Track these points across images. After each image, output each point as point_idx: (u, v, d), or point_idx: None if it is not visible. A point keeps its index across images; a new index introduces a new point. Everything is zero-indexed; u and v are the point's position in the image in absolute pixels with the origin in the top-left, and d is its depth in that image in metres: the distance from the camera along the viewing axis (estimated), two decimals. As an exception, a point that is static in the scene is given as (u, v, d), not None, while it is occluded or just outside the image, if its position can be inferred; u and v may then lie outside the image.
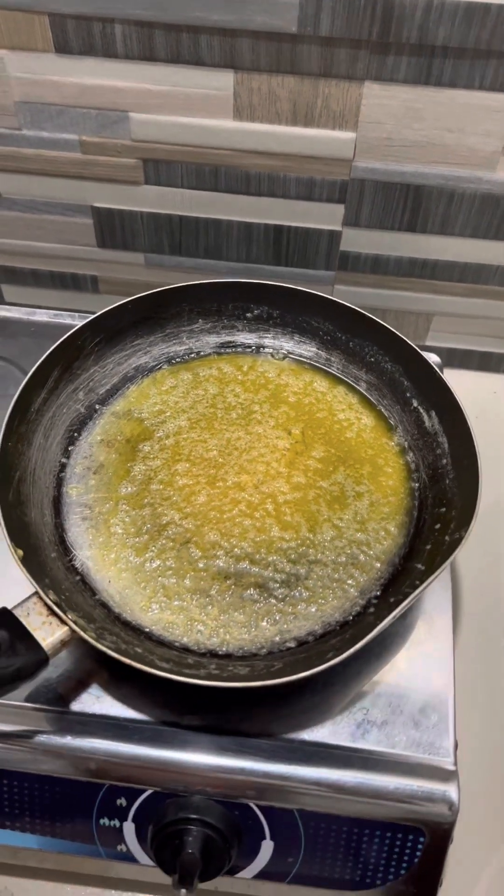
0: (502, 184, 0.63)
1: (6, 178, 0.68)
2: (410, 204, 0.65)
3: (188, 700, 0.48)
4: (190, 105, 0.61)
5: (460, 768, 0.47)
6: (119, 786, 0.47)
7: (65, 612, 0.44)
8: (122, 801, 0.47)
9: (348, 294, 0.74)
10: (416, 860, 0.47)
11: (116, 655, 0.43)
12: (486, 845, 0.55)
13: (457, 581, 0.66)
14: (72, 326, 0.61)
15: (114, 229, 0.71)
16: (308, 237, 0.69)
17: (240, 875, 0.49)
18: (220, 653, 0.49)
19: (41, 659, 0.44)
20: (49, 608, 0.44)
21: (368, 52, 0.56)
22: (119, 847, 0.49)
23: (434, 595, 0.54)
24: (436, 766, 0.47)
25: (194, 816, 0.46)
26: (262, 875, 0.49)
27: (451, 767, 0.47)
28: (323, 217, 0.68)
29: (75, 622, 0.44)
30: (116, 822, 0.48)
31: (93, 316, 0.59)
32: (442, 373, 0.60)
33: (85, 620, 0.46)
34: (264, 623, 0.50)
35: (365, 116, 0.60)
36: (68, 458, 0.57)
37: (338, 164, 0.64)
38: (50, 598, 0.44)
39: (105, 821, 0.48)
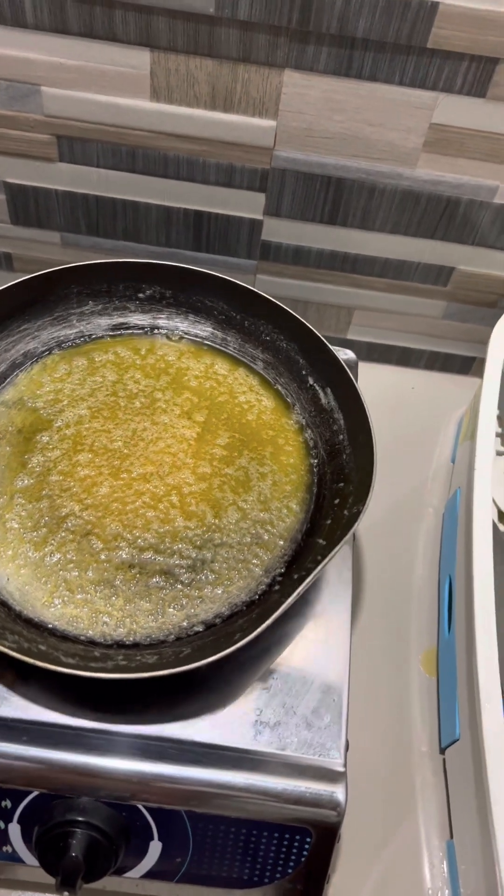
0: (422, 181, 0.63)
1: None
2: (332, 196, 0.65)
3: (79, 699, 0.47)
4: (105, 82, 0.59)
5: (350, 767, 0.47)
6: (4, 787, 0.46)
7: None
8: (6, 803, 0.46)
9: (271, 284, 0.73)
10: (303, 859, 0.47)
11: (19, 656, 0.42)
12: (377, 840, 0.56)
13: (360, 575, 0.66)
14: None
15: (28, 206, 0.69)
16: (229, 224, 0.68)
17: (127, 875, 0.48)
18: (127, 643, 0.48)
19: None
20: None
21: (288, 40, 0.55)
22: (4, 848, 0.48)
23: (333, 591, 0.54)
24: (325, 768, 0.47)
25: (79, 819, 0.45)
26: (150, 875, 0.48)
27: (341, 769, 0.47)
28: (243, 205, 0.66)
29: None
30: (1, 824, 0.47)
31: None
32: (342, 355, 0.60)
33: None
34: (171, 609, 0.49)
35: (285, 105, 0.59)
36: None
37: (258, 152, 0.62)
38: None
39: (-11, 822, 0.47)
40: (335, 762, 0.47)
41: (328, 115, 0.59)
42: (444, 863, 0.55)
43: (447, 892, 0.54)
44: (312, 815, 0.46)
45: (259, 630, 0.43)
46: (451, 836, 0.56)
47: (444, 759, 0.59)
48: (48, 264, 0.74)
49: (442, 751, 0.59)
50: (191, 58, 0.57)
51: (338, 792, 0.46)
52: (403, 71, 0.56)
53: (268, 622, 0.43)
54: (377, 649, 0.63)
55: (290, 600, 0.44)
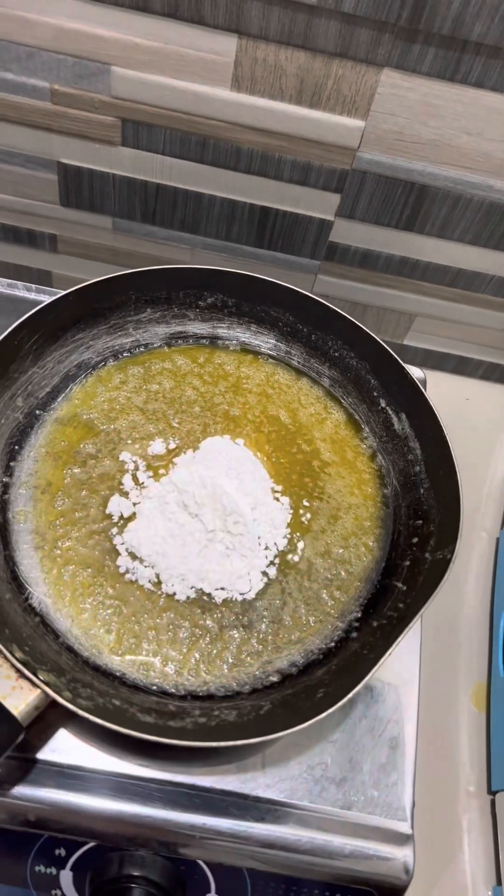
0: (513, 194, 0.58)
1: (-39, 119, 0.59)
2: (412, 202, 0.60)
3: (136, 748, 0.45)
4: (183, 67, 0.54)
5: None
6: (59, 837, 0.44)
7: (35, 674, 0.39)
8: (60, 852, 0.44)
9: (331, 286, 0.69)
10: (362, 918, 0.46)
11: (97, 720, 0.39)
12: (421, 882, 0.55)
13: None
14: (25, 300, 0.54)
15: (80, 189, 0.63)
16: (296, 223, 0.63)
17: (178, 923, 0.47)
18: (200, 694, 0.45)
19: (15, 730, 0.39)
20: (17, 670, 0.39)
21: (393, 37, 0.50)
22: (53, 892, 0.46)
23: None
24: (393, 830, 0.45)
25: (137, 874, 0.43)
26: (202, 924, 0.47)
27: (408, 831, 0.45)
28: (315, 204, 0.62)
29: (47, 683, 0.40)
30: (53, 870, 0.45)
31: (31, 312, 0.51)
32: (413, 373, 0.56)
33: (55, 675, 0.41)
34: (245, 656, 0.46)
35: (378, 106, 0.54)
36: (11, 476, 0.50)
37: (340, 152, 0.57)
38: (17, 657, 0.40)
39: (41, 868, 0.45)
40: (402, 824, 0.45)
41: (423, 120, 0.54)
42: (491, 910, 0.54)
43: (493, 940, 0.53)
44: (379, 878, 0.44)
45: (349, 696, 0.41)
46: (500, 883, 0.55)
47: (492, 801, 0.57)
48: (96, 248, 0.69)
49: (492, 793, 0.58)
50: (282, 48, 0.51)
51: (406, 855, 0.45)
52: (514, 79, 0.51)
53: (357, 688, 0.41)
54: (423, 680, 0.61)
55: (381, 661, 0.42)
